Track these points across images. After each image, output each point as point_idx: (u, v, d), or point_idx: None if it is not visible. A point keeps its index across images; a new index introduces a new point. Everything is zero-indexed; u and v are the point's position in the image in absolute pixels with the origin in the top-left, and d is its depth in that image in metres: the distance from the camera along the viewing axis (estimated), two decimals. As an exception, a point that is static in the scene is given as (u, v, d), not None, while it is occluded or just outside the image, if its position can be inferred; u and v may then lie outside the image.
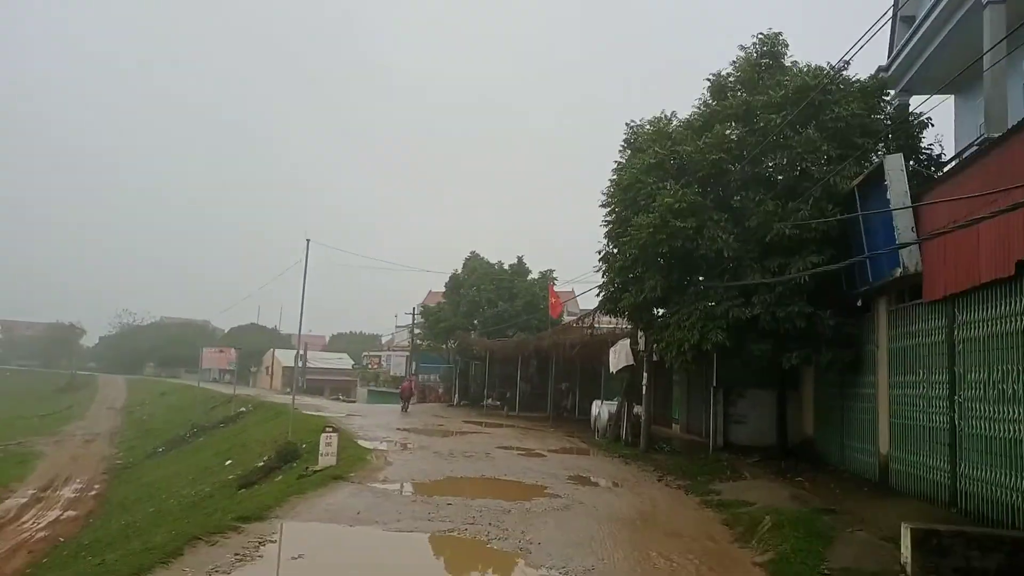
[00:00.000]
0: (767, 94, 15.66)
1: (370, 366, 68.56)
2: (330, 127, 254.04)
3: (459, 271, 42.43)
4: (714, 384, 18.76)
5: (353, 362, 76.54)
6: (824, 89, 15.44)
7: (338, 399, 54.19)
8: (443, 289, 44.24)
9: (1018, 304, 9.00)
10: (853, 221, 14.04)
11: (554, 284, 39.36)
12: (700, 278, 15.92)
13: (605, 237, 17.90)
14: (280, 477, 17.65)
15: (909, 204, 11.75)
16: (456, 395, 43.69)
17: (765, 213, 14.34)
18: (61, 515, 25.24)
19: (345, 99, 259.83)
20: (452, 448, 20.43)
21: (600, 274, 18.02)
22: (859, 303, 14.37)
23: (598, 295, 18.39)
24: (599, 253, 18.02)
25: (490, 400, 40.95)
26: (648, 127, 18.13)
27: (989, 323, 9.70)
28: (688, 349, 14.95)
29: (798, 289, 14.02)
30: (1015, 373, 9.05)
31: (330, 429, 17.12)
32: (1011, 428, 9.17)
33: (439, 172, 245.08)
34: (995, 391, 9.51)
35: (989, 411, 9.69)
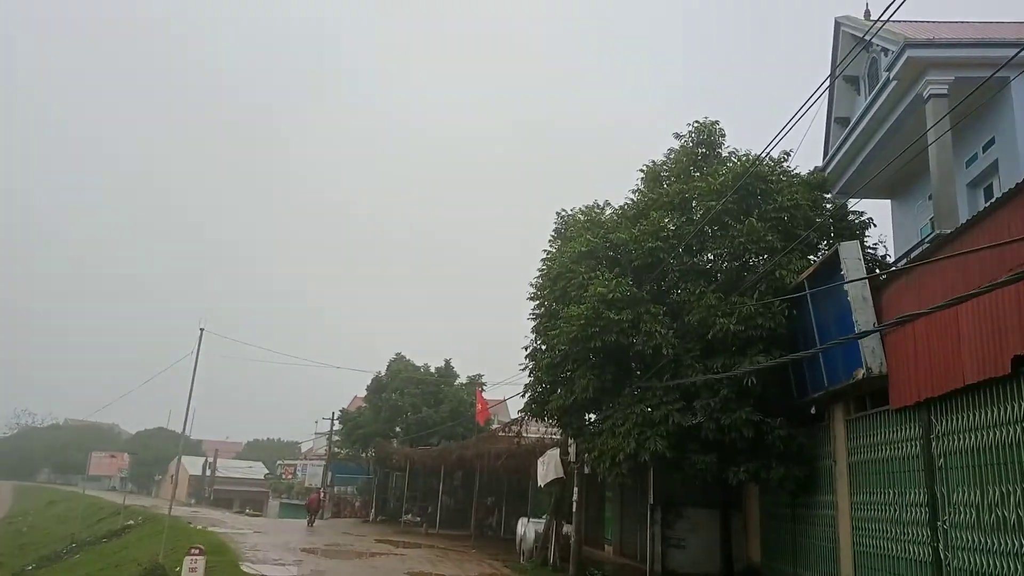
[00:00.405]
0: (705, 180, 14.62)
1: (284, 476, 63.50)
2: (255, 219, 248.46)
3: (382, 373, 39.86)
4: (651, 501, 16.67)
5: (267, 471, 71.06)
6: (764, 179, 14.53)
7: (244, 512, 49.18)
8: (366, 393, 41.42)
9: (1018, 409, 7.44)
10: (803, 318, 12.71)
11: (482, 389, 37.08)
12: (637, 376, 14.17)
13: (533, 332, 16.19)
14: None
15: (868, 295, 10.43)
16: (373, 509, 39.99)
17: (706, 307, 12.89)
18: None
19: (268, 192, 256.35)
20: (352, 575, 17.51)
21: (527, 373, 16.09)
22: (812, 411, 12.78)
23: (523, 395, 16.40)
24: (526, 349, 16.20)
25: (409, 516, 37.54)
26: (580, 216, 16.87)
27: (978, 433, 8.12)
28: (623, 460, 12.98)
29: (744, 394, 12.42)
30: (1018, 495, 7.38)
31: (195, 551, 14.17)
32: (1015, 565, 7.42)
33: (366, 269, 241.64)
34: (991, 517, 7.80)
35: (984, 542, 7.95)
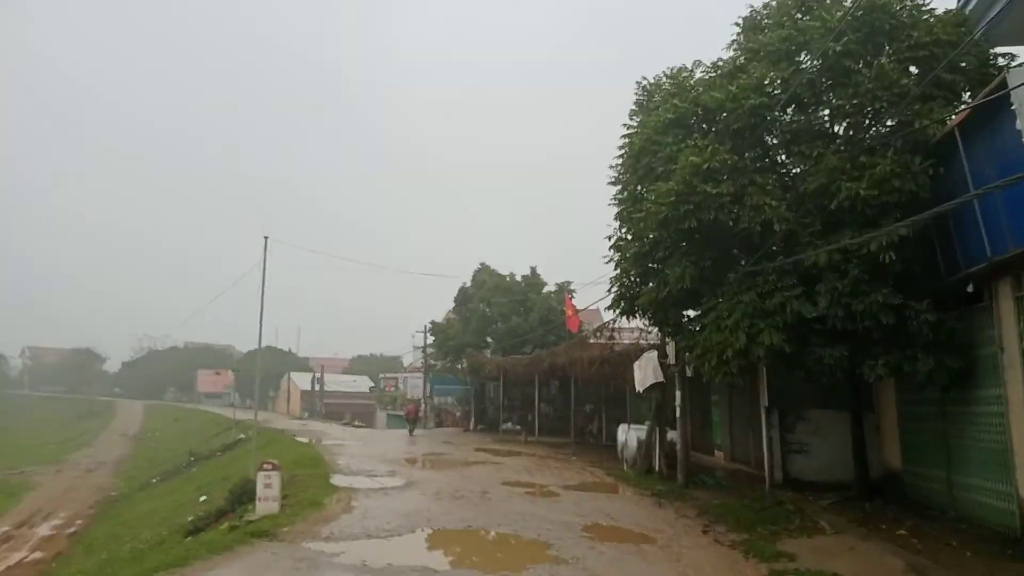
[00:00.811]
0: (820, 18, 11.85)
1: (387, 389, 65.11)
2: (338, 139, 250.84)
3: (467, 284, 38.85)
4: (765, 403, 14.79)
5: (372, 385, 73.19)
6: (893, 15, 11.64)
7: (351, 424, 50.58)
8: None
9: None
10: (954, 177, 10.21)
11: (571, 296, 35.51)
12: (741, 262, 12.06)
13: (616, 219, 14.19)
14: (225, 524, 14.13)
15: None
16: (472, 419, 39.94)
17: (827, 171, 10.51)
18: (25, 557, 22.35)
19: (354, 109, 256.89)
20: (445, 485, 16.79)
21: (612, 266, 14.21)
22: (969, 288, 10.36)
23: (609, 291, 14.56)
24: (609, 239, 14.27)
25: (509, 424, 37.21)
26: (665, 81, 14.43)
27: None
28: (732, 357, 11.08)
29: (879, 273, 10.17)
30: None
31: (268, 466, 13.54)
32: None
33: (449, 183, 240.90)
34: None
35: None
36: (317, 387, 71.62)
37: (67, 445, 57.86)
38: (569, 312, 32.14)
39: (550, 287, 38.11)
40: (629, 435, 20.72)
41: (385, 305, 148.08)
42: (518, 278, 38.43)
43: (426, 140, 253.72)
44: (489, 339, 37.72)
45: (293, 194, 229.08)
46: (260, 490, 13.23)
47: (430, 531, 11.77)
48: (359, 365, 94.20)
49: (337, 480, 17.43)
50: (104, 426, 69.76)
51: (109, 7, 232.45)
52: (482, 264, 39.39)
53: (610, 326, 22.06)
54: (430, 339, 43.32)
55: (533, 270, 38.47)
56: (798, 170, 11.70)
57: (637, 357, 19.84)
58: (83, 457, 50.27)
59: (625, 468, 20.45)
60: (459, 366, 39.57)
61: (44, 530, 26.57)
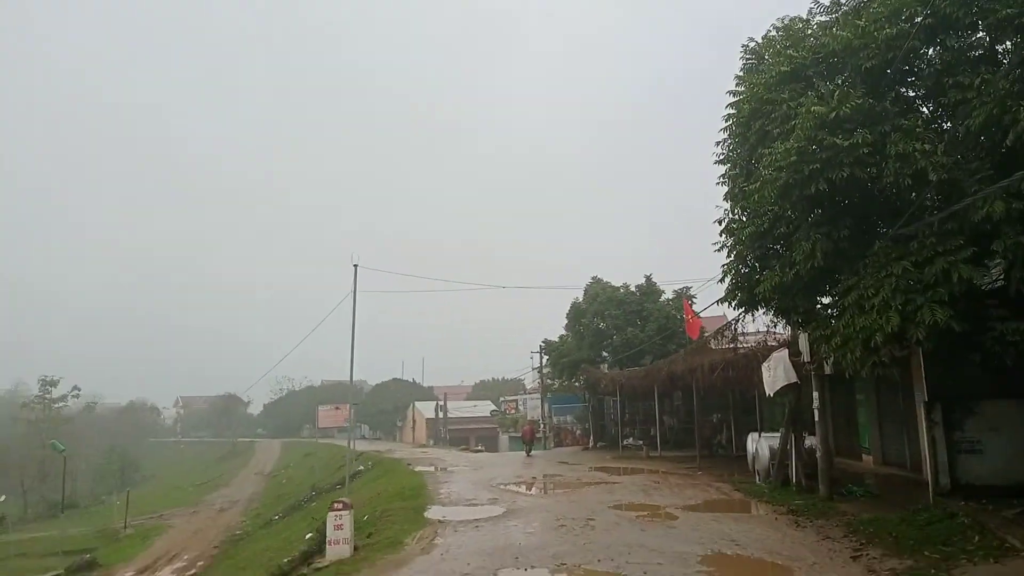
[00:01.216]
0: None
1: (507, 412, 64.35)
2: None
3: (579, 299, 37.35)
4: (924, 398, 12.37)
5: (493, 408, 72.84)
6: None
7: (469, 449, 50.01)
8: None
9: None
10: None
11: (691, 301, 33.26)
12: (881, 231, 9.97)
13: (726, 200, 12.38)
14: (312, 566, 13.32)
15: None
16: (592, 436, 38.21)
17: (997, 101, 8.37)
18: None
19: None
20: (548, 512, 15.29)
21: (725, 254, 12.35)
22: None
23: (721, 280, 12.65)
24: (719, 223, 12.45)
25: (630, 440, 35.24)
26: (775, 34, 12.55)
27: None
28: (881, 343, 9.03)
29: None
30: None
31: (339, 506, 12.63)
32: None
33: (554, 200, 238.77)
34: None
35: None
36: (440, 415, 72.07)
37: (207, 487, 60.79)
38: (689, 317, 30.02)
39: (667, 295, 36.01)
40: (760, 444, 18.50)
41: (505, 329, 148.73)
42: (632, 288, 36.56)
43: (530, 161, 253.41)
44: (605, 353, 36.01)
45: (402, 228, 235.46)
46: (330, 532, 12.43)
47: (517, 570, 10.25)
48: (482, 391, 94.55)
49: (432, 512, 16.28)
50: (243, 465, 73.08)
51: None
52: (594, 277, 37.86)
53: (733, 326, 19.92)
54: (545, 359, 42.10)
55: (648, 279, 36.52)
56: (955, 104, 9.46)
57: (765, 358, 17.70)
58: (219, 498, 52.23)
59: (757, 481, 18.25)
60: (575, 383, 38.05)
61: (166, 574, 27.31)
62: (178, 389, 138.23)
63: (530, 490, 19.95)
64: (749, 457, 19.73)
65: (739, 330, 20.39)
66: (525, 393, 64.98)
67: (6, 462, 55.11)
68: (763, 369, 17.50)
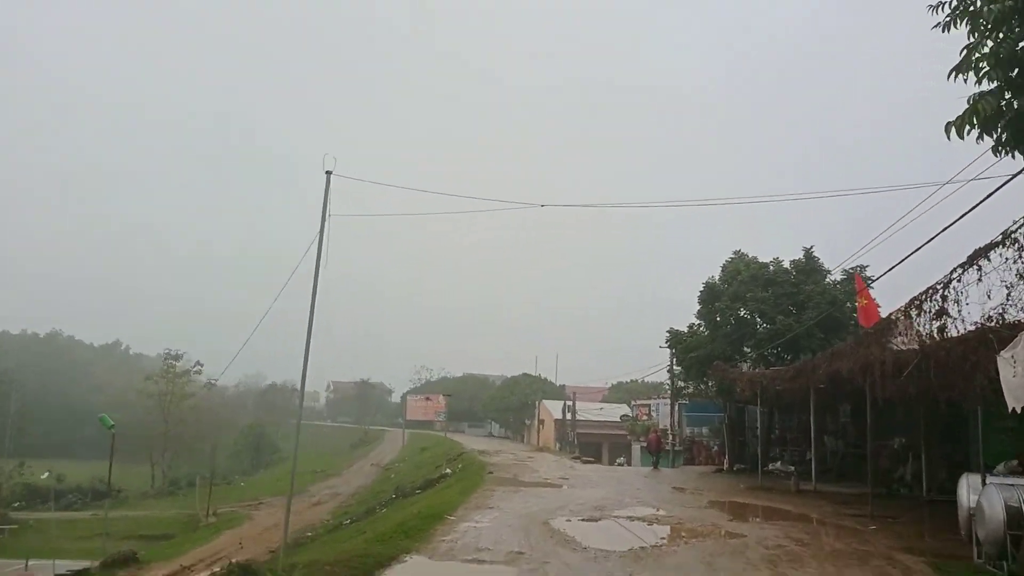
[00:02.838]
0: None
1: (639, 418, 56.72)
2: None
3: (715, 279, 29.56)
4: None
5: (625, 413, 65.35)
6: None
7: (579, 459, 43.10)
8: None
9: None
10: None
11: (869, 284, 24.53)
12: None
13: None
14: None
15: None
16: (727, 455, 30.36)
17: None
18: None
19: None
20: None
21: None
22: None
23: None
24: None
25: (778, 464, 27.18)
26: None
27: None
28: None
29: None
30: None
31: None
32: None
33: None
34: None
35: None
36: (568, 416, 65.88)
37: (322, 474, 58.78)
38: (863, 300, 21.76)
39: (834, 276, 27.39)
40: (988, 496, 10.60)
41: (645, 328, 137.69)
42: (786, 265, 28.30)
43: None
44: (746, 348, 28.06)
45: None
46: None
47: None
48: (618, 394, 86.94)
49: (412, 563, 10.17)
50: (364, 455, 70.77)
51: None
52: (736, 252, 29.92)
53: (938, 293, 12.01)
54: (672, 353, 34.52)
55: (808, 253, 28.05)
56: None
57: (1001, 343, 9.98)
58: (323, 488, 49.57)
59: (977, 559, 10.55)
60: (705, 385, 30.42)
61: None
62: (331, 373, 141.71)
63: (597, 540, 13.01)
64: (962, 512, 11.78)
65: (946, 305, 12.38)
66: (659, 398, 56.96)
67: (134, 435, 55.65)
68: (1000, 363, 9.80)
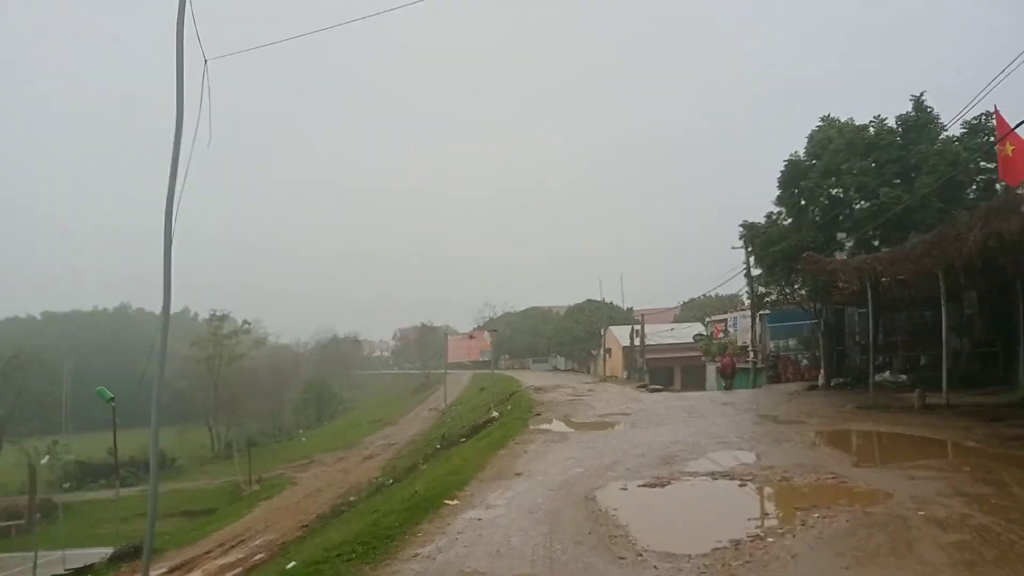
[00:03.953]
0: None
1: (714, 336, 51.26)
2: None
3: (798, 154, 23.66)
4: None
5: (699, 332, 59.82)
6: None
7: (651, 388, 38.40)
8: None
9: None
10: None
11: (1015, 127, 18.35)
12: None
13: None
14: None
15: None
16: (823, 369, 25.06)
17: None
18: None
19: None
20: None
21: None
22: None
23: None
24: None
25: (887, 374, 21.91)
26: None
27: None
28: None
29: None
30: None
31: None
32: None
33: None
34: None
35: None
36: (636, 341, 61.04)
37: (379, 423, 56.20)
38: (1011, 148, 16.01)
39: (951, 131, 21.22)
40: None
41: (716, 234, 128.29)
42: (890, 123, 22.17)
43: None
44: (842, 234, 22.41)
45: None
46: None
47: None
48: (691, 312, 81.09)
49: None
50: (423, 400, 67.74)
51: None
52: (825, 117, 23.85)
53: None
54: (748, 251, 28.99)
55: (918, 103, 21.78)
56: None
57: None
58: (379, 439, 46.72)
59: None
60: (791, 288, 25.00)
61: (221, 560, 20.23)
62: (398, 320, 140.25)
63: (662, 536, 8.24)
64: None
65: None
66: (737, 311, 51.27)
67: (188, 401, 53.96)
68: None
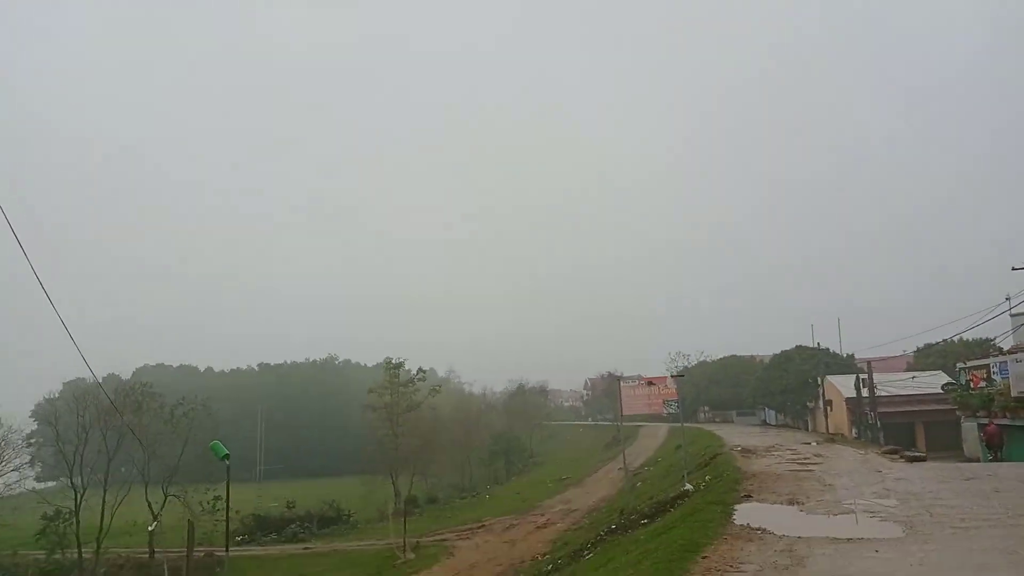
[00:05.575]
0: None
1: (972, 385, 40.85)
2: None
3: None
4: None
5: (948, 382, 48.83)
6: None
7: (909, 456, 30.14)
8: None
9: None
10: None
11: None
12: None
13: None
14: None
15: None
16: None
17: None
18: None
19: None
20: None
21: None
22: None
23: None
24: None
25: None
26: None
27: None
28: None
29: None
30: None
31: None
32: None
33: None
34: None
35: None
36: (864, 391, 51.42)
37: (564, 483, 51.44)
38: None
39: None
40: None
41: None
42: None
43: None
44: None
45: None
46: None
47: None
48: (928, 359, 68.32)
49: None
50: (613, 457, 61.69)
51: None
52: None
53: None
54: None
55: None
56: None
57: None
58: (558, 503, 41.72)
59: None
60: None
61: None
62: (591, 370, 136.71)
63: None
64: None
65: None
66: (1002, 354, 40.53)
67: (372, 451, 52.78)
68: None
